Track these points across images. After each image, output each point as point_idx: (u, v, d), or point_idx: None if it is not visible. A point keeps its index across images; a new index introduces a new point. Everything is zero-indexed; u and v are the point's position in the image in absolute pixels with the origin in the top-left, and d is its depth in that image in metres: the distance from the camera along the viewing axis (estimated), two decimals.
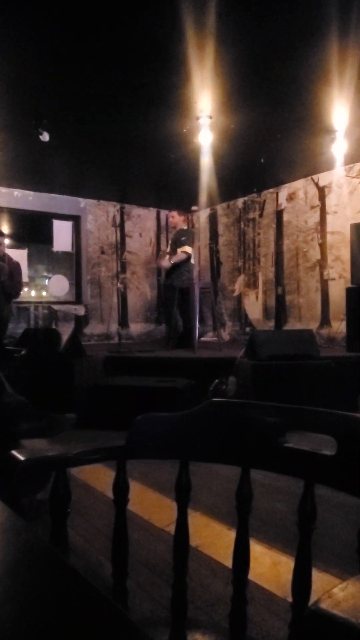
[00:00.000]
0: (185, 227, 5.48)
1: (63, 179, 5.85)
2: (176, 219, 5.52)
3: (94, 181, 5.97)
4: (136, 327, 6.85)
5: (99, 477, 2.41)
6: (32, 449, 0.78)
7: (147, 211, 7.19)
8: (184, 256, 5.28)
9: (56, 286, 6.57)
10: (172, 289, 5.23)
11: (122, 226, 6.93)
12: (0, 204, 6.08)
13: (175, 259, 5.33)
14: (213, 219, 7.34)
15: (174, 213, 5.57)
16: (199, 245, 7.46)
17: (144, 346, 5.71)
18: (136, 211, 7.18)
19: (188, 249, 5.25)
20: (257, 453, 0.76)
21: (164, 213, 7.30)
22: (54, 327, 6.25)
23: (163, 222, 7.32)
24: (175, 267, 5.33)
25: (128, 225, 7.02)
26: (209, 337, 7.01)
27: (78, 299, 6.81)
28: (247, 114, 4.00)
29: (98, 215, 6.86)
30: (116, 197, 6.80)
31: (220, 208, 7.22)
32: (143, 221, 7.19)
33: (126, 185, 6.20)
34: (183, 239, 5.28)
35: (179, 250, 5.31)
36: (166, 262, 5.34)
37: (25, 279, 5.74)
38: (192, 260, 5.44)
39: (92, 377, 4.04)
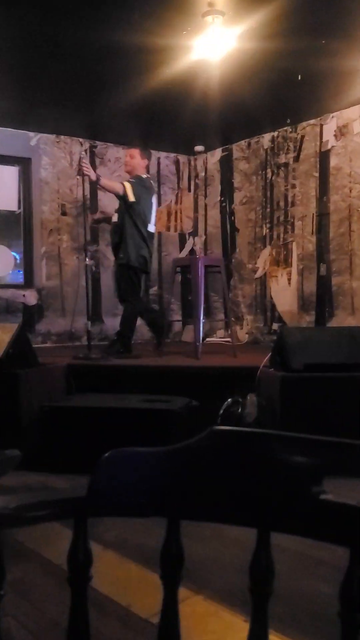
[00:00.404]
0: (143, 176, 5.49)
1: (4, 105, 5.81)
2: (135, 160, 5.49)
3: (51, 107, 5.93)
4: (114, 322, 6.70)
5: (55, 543, 2.41)
6: None
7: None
8: (117, 186, 5.30)
9: None
10: (130, 268, 5.33)
11: None
12: None
13: (105, 182, 5.33)
14: (226, 165, 7.30)
15: (134, 152, 5.54)
16: (205, 202, 7.54)
17: None
18: (113, 152, 7.08)
19: (129, 188, 5.24)
20: (282, 509, 0.76)
21: (155, 155, 7.15)
22: None
23: (154, 168, 7.24)
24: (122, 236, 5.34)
25: (102, 173, 6.69)
26: (218, 337, 7.10)
27: (28, 281, 6.78)
28: (277, 9, 3.97)
29: (57, 157, 6.79)
30: (84, 130, 6.72)
31: (237, 148, 7.16)
32: (124, 167, 7.09)
33: (99, 114, 6.17)
34: (132, 181, 5.33)
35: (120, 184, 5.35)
36: (87, 169, 5.17)
37: None
38: (151, 228, 5.42)
39: (46, 395, 4.07)
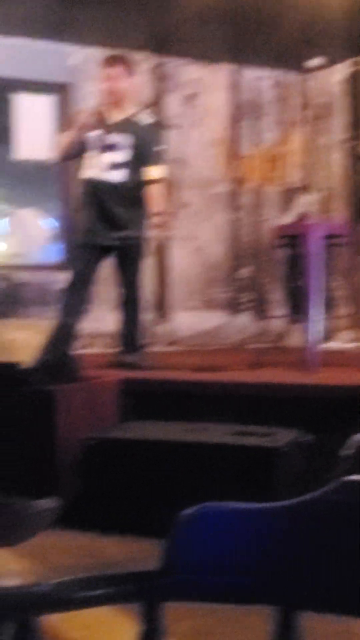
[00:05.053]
0: (150, 119, 5.45)
1: (32, 5, 5.86)
2: (124, 82, 5.23)
3: (100, 8, 5.99)
4: (187, 319, 7.06)
5: (105, 636, 2.44)
6: None
7: (210, 72, 7.22)
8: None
9: (21, 233, 6.77)
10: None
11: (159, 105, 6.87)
12: None
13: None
14: (358, 86, 7.17)
15: (118, 70, 5.20)
16: (324, 142, 7.50)
17: (205, 359, 5.80)
18: (189, 71, 7.12)
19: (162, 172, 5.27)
20: None
21: (248, 74, 7.29)
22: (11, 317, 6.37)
23: (246, 93, 7.33)
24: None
25: (172, 103, 7.00)
26: (343, 342, 7.05)
27: (66, 258, 6.71)
28: None
29: None
30: (146, 41, 6.72)
31: None
32: (205, 93, 7.18)
33: (167, 18, 6.16)
34: (160, 148, 5.34)
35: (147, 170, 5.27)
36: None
37: None
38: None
39: (92, 424, 4.13)
